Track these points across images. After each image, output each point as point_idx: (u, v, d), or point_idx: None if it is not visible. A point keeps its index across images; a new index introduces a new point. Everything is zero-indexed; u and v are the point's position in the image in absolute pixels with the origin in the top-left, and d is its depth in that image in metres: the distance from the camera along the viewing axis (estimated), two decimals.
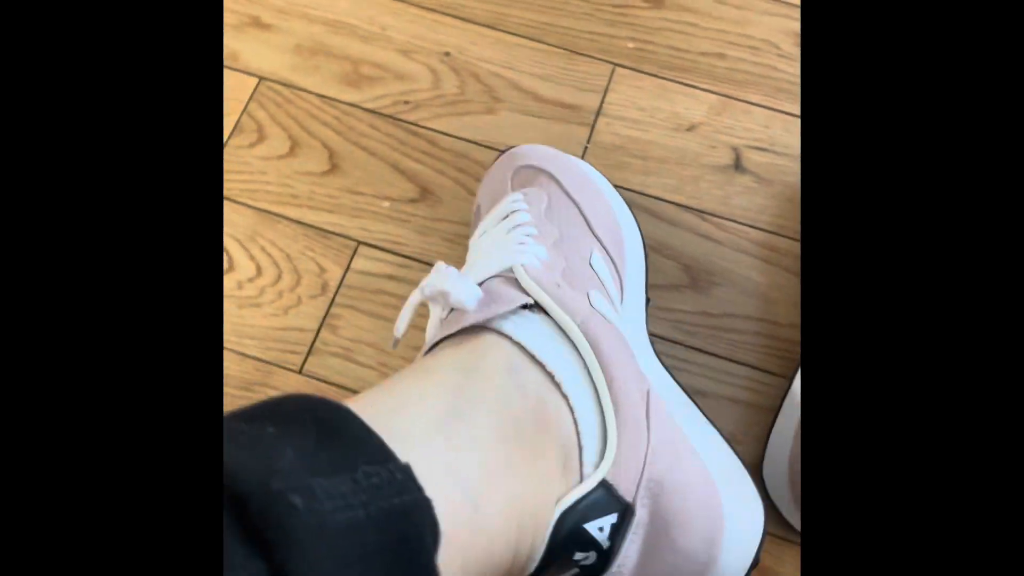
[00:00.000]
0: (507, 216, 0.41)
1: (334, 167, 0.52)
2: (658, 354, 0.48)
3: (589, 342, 0.35)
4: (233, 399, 0.46)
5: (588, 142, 0.52)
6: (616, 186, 0.51)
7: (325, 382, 0.47)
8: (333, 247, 0.50)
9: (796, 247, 0.50)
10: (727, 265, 0.49)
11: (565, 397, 0.33)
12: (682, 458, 0.35)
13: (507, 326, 0.34)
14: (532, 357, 0.34)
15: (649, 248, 0.50)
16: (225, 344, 0.48)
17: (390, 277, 0.49)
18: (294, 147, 0.52)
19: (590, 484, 0.32)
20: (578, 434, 0.33)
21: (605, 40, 0.55)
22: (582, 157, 0.52)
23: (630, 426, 0.33)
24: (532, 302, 0.35)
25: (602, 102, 0.53)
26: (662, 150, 0.52)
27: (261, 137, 0.53)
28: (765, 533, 0.37)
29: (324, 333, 0.48)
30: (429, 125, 0.53)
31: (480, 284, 0.36)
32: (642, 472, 0.33)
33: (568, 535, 0.31)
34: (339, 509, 0.22)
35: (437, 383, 0.32)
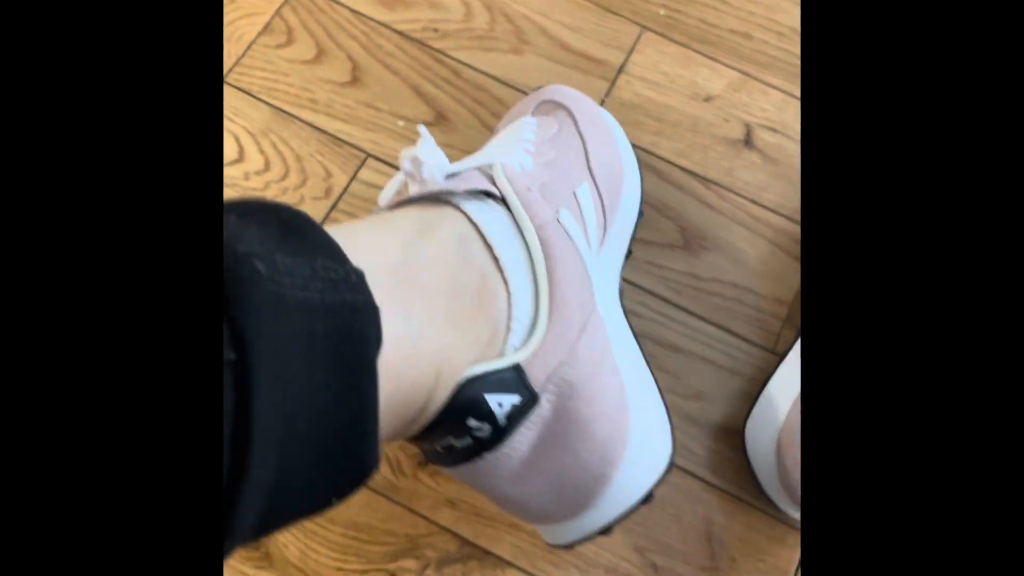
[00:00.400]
0: (514, 133, 0.42)
1: (356, 80, 0.53)
2: (641, 305, 0.49)
3: (541, 244, 0.36)
4: None
5: (607, 96, 0.53)
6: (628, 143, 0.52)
7: None
8: (342, 155, 0.51)
9: (791, 226, 0.51)
10: (722, 233, 0.50)
11: (505, 282, 0.34)
12: (602, 374, 0.36)
13: (467, 205, 0.35)
14: (484, 239, 0.35)
15: (649, 206, 0.51)
16: None
17: None
18: (320, 55, 0.53)
19: (504, 363, 0.33)
20: (509, 317, 0.34)
21: (638, 3, 0.56)
22: None
23: (559, 324, 0.34)
24: (498, 194, 0.36)
25: (626, 61, 0.54)
26: (677, 115, 0.53)
27: (290, 40, 0.53)
28: (665, 476, 0.38)
29: None
30: (454, 55, 0.54)
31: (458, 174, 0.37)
32: (556, 369, 0.34)
33: (468, 400, 0.32)
34: (297, 287, 0.23)
35: (392, 234, 0.33)
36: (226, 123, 0.51)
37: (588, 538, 0.38)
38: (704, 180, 0.51)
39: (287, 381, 0.22)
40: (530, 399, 0.33)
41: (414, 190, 0.37)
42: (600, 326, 0.37)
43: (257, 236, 0.23)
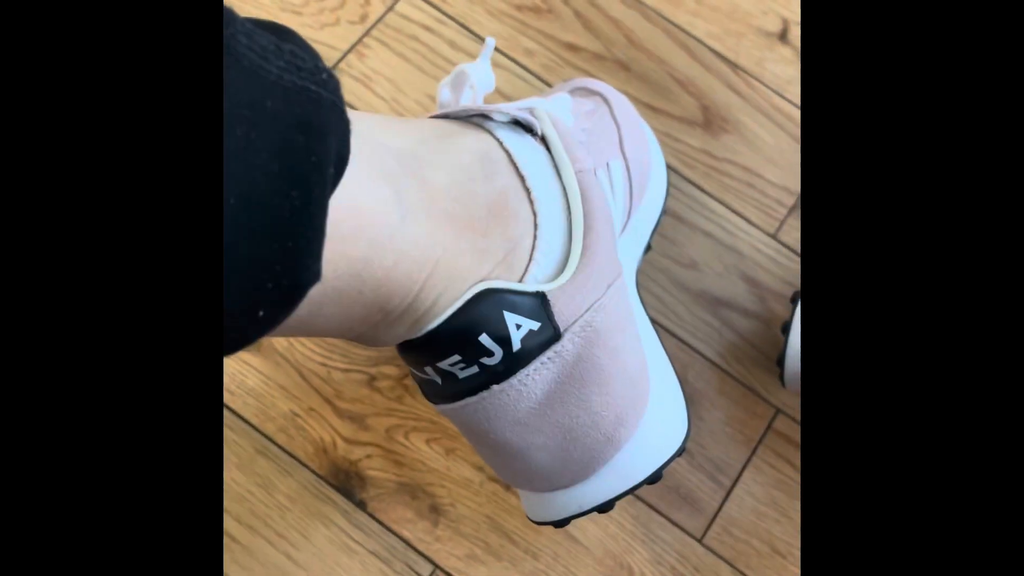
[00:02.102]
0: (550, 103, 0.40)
1: None
2: None
3: (580, 189, 0.34)
4: None
5: None
6: (664, 18, 0.52)
7: None
8: None
9: None
10: (742, 119, 0.51)
11: (534, 213, 0.33)
12: (626, 332, 0.34)
13: (502, 132, 0.34)
14: (515, 167, 0.33)
15: (675, 81, 0.51)
16: None
17: (426, 28, 0.51)
18: None
19: (528, 287, 0.31)
20: (533, 248, 0.33)
21: None
22: None
23: (590, 267, 0.33)
24: (539, 132, 0.35)
25: None
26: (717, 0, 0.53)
27: None
28: (674, 458, 0.36)
29: (351, 57, 0.50)
30: None
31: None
32: (584, 314, 0.32)
33: (482, 313, 0.30)
34: (255, 54, 0.20)
35: (410, 128, 0.31)
36: None
37: (584, 513, 0.35)
38: (734, 65, 0.52)
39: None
40: (553, 334, 0.31)
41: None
42: (625, 290, 0.35)
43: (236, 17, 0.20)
